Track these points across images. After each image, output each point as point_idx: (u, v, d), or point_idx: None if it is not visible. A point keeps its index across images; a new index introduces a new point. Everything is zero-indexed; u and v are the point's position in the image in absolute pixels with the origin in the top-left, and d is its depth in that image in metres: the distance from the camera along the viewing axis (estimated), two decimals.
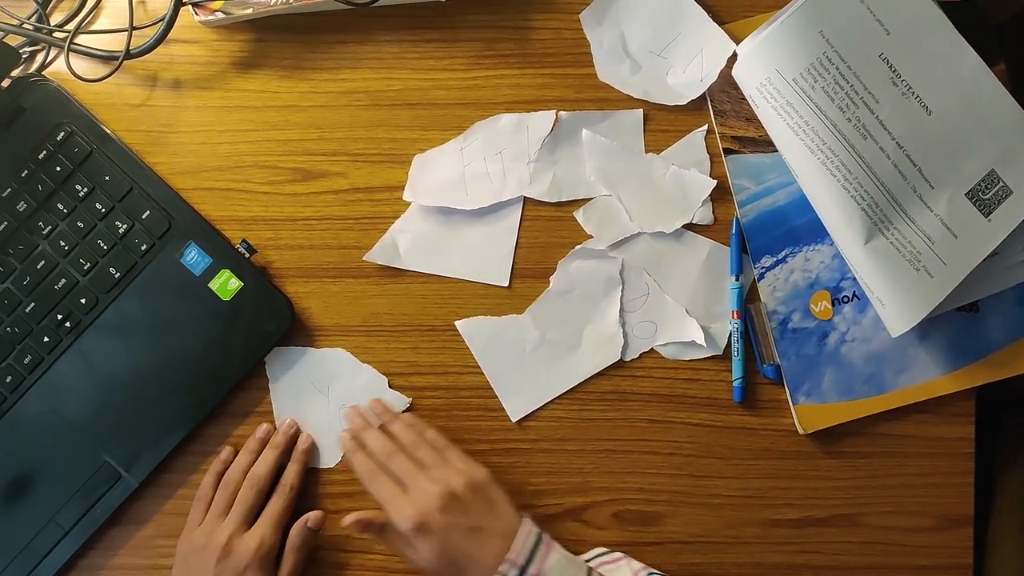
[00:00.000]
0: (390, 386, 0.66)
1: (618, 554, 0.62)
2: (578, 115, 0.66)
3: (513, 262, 0.66)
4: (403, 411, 0.66)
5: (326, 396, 0.66)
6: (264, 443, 0.65)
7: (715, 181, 0.65)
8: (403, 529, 0.56)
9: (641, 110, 0.66)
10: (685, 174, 0.66)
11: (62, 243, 0.65)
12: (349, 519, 0.58)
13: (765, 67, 0.62)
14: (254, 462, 0.64)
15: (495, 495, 0.58)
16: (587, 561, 0.58)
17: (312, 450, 0.65)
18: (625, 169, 0.66)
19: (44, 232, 0.65)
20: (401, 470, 0.58)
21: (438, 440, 0.62)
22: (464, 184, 0.66)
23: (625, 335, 0.65)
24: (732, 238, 0.66)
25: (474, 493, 0.57)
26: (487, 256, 0.66)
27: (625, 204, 0.66)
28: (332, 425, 0.65)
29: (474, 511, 0.57)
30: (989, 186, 0.61)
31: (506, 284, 0.66)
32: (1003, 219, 0.61)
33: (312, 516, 0.63)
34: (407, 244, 0.66)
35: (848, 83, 0.61)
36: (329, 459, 0.66)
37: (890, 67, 0.61)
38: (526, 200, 0.66)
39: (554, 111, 0.66)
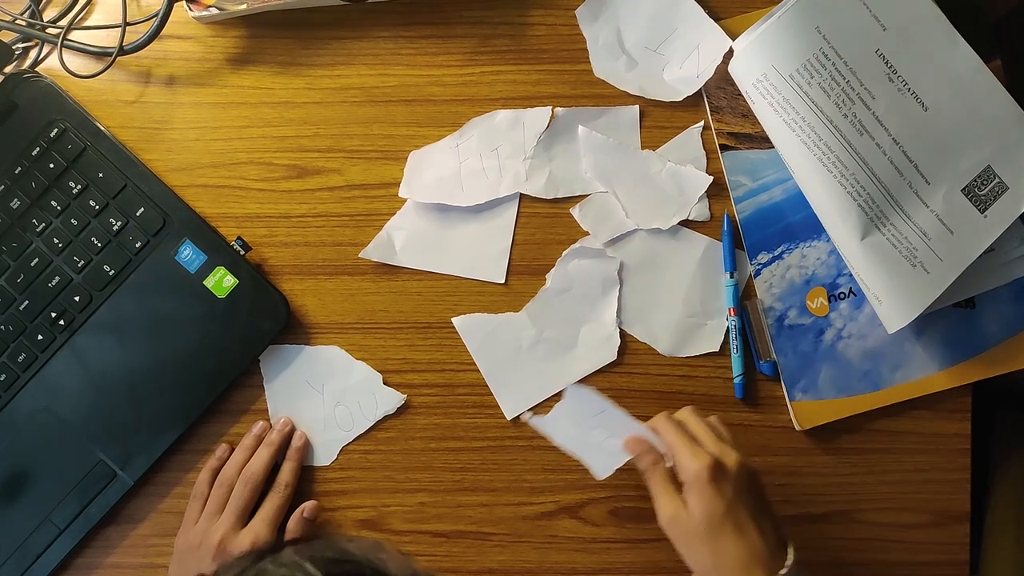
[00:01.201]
0: (385, 383, 0.66)
1: None
2: (574, 111, 0.66)
3: (509, 259, 0.66)
4: (397, 408, 0.65)
5: (321, 394, 0.65)
6: (260, 440, 0.64)
7: (711, 177, 0.65)
8: (695, 468, 0.52)
9: (637, 106, 0.66)
10: (681, 170, 0.66)
11: (56, 240, 0.65)
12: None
13: (761, 63, 0.62)
14: (249, 459, 0.63)
15: (767, 503, 0.55)
16: None
17: (307, 448, 0.65)
18: (621, 165, 0.66)
19: (38, 229, 0.65)
20: (696, 432, 0.55)
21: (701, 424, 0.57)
22: (460, 181, 0.65)
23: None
24: (724, 235, 0.66)
25: (757, 488, 0.54)
26: (483, 253, 0.66)
27: (621, 200, 0.66)
28: (327, 423, 0.65)
29: (756, 502, 0.53)
30: (985, 182, 0.61)
31: (502, 281, 0.66)
32: (999, 215, 0.61)
33: (308, 506, 0.63)
34: (403, 241, 0.66)
35: (844, 79, 0.61)
36: (324, 457, 0.65)
37: (886, 63, 0.61)
38: (522, 197, 0.66)
39: (550, 107, 0.66)
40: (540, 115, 0.66)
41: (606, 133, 0.66)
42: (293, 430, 0.65)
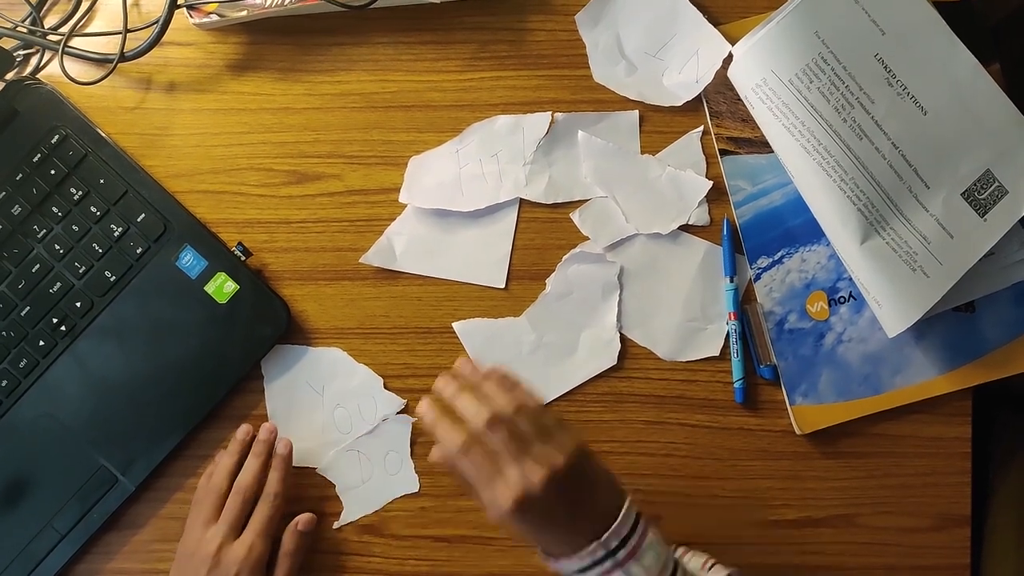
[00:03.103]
0: (386, 387, 0.66)
1: (682, 549, 0.61)
2: (574, 116, 0.66)
3: (510, 264, 0.66)
4: (398, 412, 0.66)
5: (321, 396, 0.66)
6: (244, 444, 0.64)
7: (711, 182, 0.65)
8: (497, 513, 0.50)
9: (637, 111, 0.66)
10: (681, 175, 0.66)
11: (57, 246, 0.65)
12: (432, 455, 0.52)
13: (760, 68, 0.62)
14: (238, 464, 0.63)
15: (597, 468, 0.52)
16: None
17: (291, 454, 0.64)
18: (621, 170, 0.66)
19: (39, 236, 0.65)
20: (501, 445, 0.50)
21: (529, 401, 0.52)
22: (460, 186, 0.65)
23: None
24: (724, 240, 0.66)
25: (577, 469, 0.50)
26: (483, 258, 0.66)
27: (621, 205, 0.66)
28: (326, 426, 0.65)
29: (572, 495, 0.50)
30: (985, 186, 0.61)
31: (502, 286, 0.66)
32: (999, 219, 0.61)
33: (302, 519, 0.62)
34: (403, 246, 0.66)
35: (843, 83, 0.61)
36: (321, 460, 0.65)
37: (885, 67, 0.61)
38: (522, 202, 0.66)
39: (550, 113, 0.66)
40: (540, 120, 0.66)
41: (606, 138, 0.66)
42: (276, 437, 0.64)
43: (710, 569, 0.56)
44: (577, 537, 0.50)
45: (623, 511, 0.50)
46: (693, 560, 0.60)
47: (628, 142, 0.66)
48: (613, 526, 0.50)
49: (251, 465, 0.63)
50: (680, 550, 0.61)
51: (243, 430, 0.64)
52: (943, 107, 0.61)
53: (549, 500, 0.49)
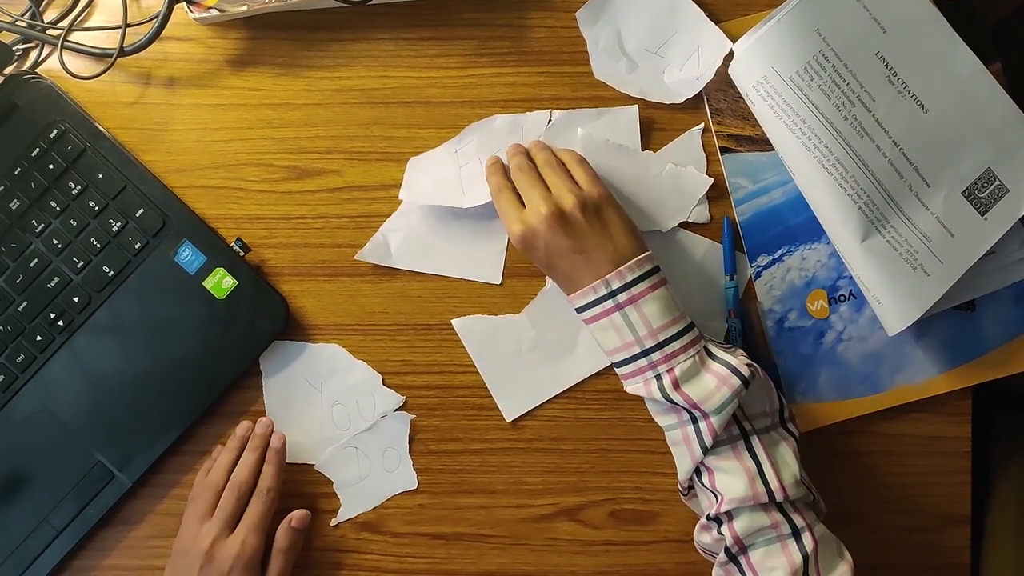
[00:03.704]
0: (384, 384, 0.65)
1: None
2: (572, 113, 0.66)
3: (507, 261, 0.66)
4: (397, 409, 0.65)
5: (319, 393, 0.65)
6: (244, 440, 0.64)
7: (711, 179, 0.65)
8: (512, 241, 0.58)
9: (636, 106, 0.66)
10: (682, 172, 0.66)
11: (55, 241, 0.65)
12: None
13: (761, 65, 0.62)
14: (235, 460, 0.63)
15: (611, 218, 0.58)
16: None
17: (285, 449, 0.63)
18: (622, 166, 0.66)
19: (37, 230, 0.65)
20: (523, 186, 0.59)
21: (569, 155, 0.62)
22: (460, 184, 0.65)
23: None
24: (724, 237, 0.66)
25: (585, 213, 0.57)
26: (479, 254, 0.66)
27: (621, 201, 0.65)
28: (324, 423, 0.65)
29: (579, 232, 0.57)
30: (985, 184, 0.61)
31: (498, 282, 0.66)
32: (999, 217, 0.61)
33: (296, 515, 0.62)
34: (398, 242, 0.66)
35: (844, 81, 0.61)
36: (319, 456, 0.65)
37: (886, 65, 0.61)
38: None
39: (548, 111, 0.66)
40: (538, 119, 0.66)
41: (605, 134, 0.66)
42: (272, 431, 0.64)
43: (732, 355, 0.57)
44: (588, 274, 0.56)
45: (635, 259, 0.56)
46: (718, 344, 0.60)
47: (628, 138, 0.66)
48: (620, 268, 0.55)
49: (247, 460, 0.63)
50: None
51: (243, 427, 0.64)
52: (944, 106, 0.61)
53: (552, 232, 0.56)
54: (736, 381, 0.54)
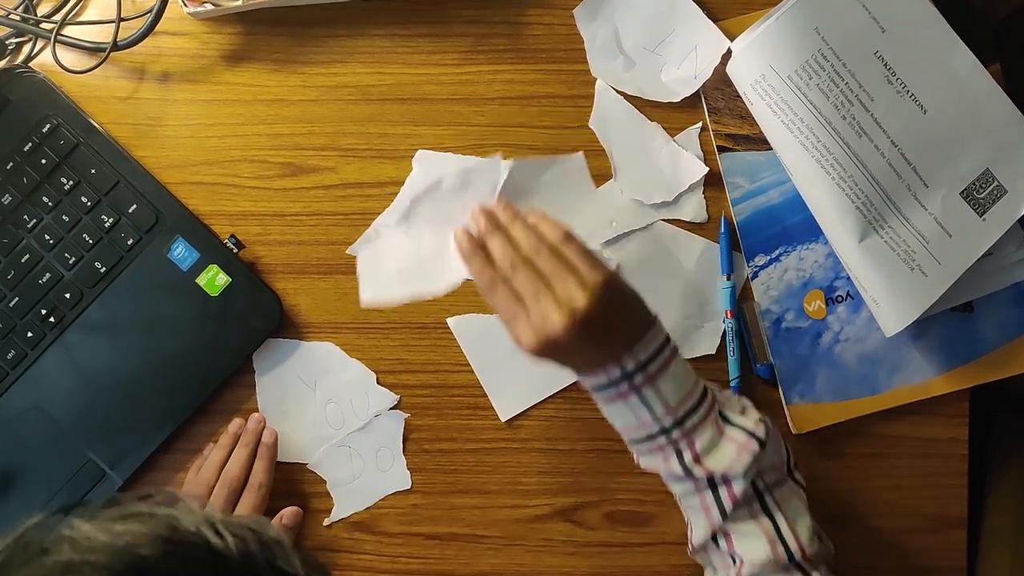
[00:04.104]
0: (379, 383, 0.65)
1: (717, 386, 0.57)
2: (523, 164, 0.62)
3: None
4: (391, 408, 0.65)
5: (313, 391, 0.65)
6: (236, 438, 0.63)
7: (707, 168, 0.65)
8: (522, 351, 0.51)
9: (581, 153, 0.64)
10: (682, 153, 0.65)
11: (47, 237, 0.64)
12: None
13: (760, 64, 0.61)
14: (227, 457, 0.63)
15: (621, 299, 0.52)
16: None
17: (276, 444, 0.63)
18: (627, 128, 0.65)
19: (29, 226, 0.64)
20: (522, 286, 0.51)
21: (555, 232, 0.53)
22: (425, 268, 0.58)
23: None
24: (721, 237, 0.65)
25: (600, 306, 0.50)
26: None
27: (615, 160, 0.65)
28: (317, 421, 0.65)
29: (595, 328, 0.50)
30: (984, 185, 0.61)
31: None
32: (997, 219, 0.61)
33: (287, 513, 0.62)
34: None
35: (843, 80, 0.60)
36: (312, 455, 0.65)
37: (885, 65, 0.61)
38: None
39: (499, 156, 0.60)
40: (489, 166, 0.59)
41: (557, 183, 0.62)
42: (264, 427, 0.64)
43: (742, 413, 0.55)
44: (602, 359, 0.51)
45: (646, 336, 0.52)
46: (726, 401, 0.56)
47: (580, 186, 0.64)
48: (633, 347, 0.51)
49: (238, 455, 0.62)
50: (716, 386, 0.57)
51: (235, 424, 0.64)
52: (943, 106, 0.61)
53: (570, 339, 0.50)
54: (755, 446, 0.52)
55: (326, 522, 0.64)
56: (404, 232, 0.60)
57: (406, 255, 0.59)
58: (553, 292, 0.50)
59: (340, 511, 0.64)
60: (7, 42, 0.66)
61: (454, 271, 0.56)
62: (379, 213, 0.66)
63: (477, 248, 0.54)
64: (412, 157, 0.66)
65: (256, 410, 0.65)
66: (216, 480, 0.62)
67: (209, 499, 0.61)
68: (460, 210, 0.56)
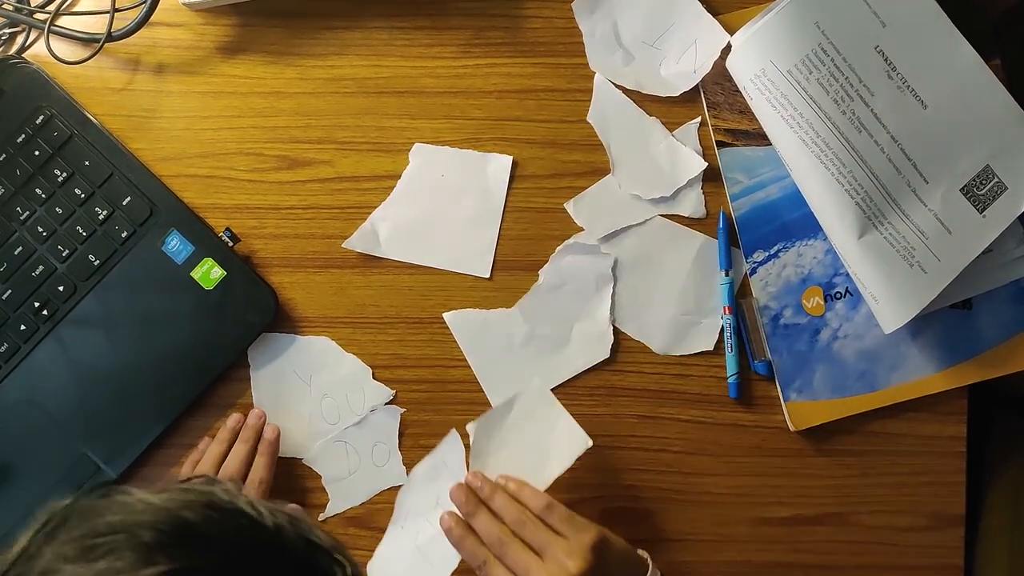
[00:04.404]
0: (374, 377, 0.65)
1: None
2: (481, 422, 0.61)
3: (500, 254, 0.65)
4: (387, 403, 0.64)
5: (308, 386, 0.64)
6: (234, 432, 0.63)
7: (705, 163, 0.64)
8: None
9: (537, 378, 0.62)
10: (680, 148, 0.65)
11: (40, 229, 0.63)
12: None
13: (759, 58, 0.61)
14: (225, 452, 0.62)
15: (614, 552, 0.56)
16: None
17: (278, 441, 0.62)
18: (625, 122, 0.65)
19: (22, 218, 0.63)
20: (513, 562, 0.55)
21: (537, 501, 0.57)
22: (425, 558, 0.61)
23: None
24: (720, 233, 0.65)
25: (591, 567, 0.54)
26: (469, 247, 0.65)
27: (613, 154, 0.65)
28: (313, 416, 0.64)
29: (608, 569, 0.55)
30: (984, 182, 0.61)
31: (487, 276, 0.65)
32: (997, 215, 0.61)
33: (288, 509, 0.61)
34: (387, 232, 0.65)
35: (843, 75, 0.60)
36: (307, 451, 0.64)
37: (886, 60, 0.60)
38: (513, 191, 0.65)
39: (462, 440, 0.62)
40: (456, 456, 0.62)
41: (523, 423, 0.61)
42: (264, 423, 0.63)
43: None
44: None
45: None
46: None
47: (548, 408, 0.61)
48: None
49: (238, 451, 0.62)
50: None
51: (234, 418, 0.63)
52: (943, 101, 0.60)
53: None
54: None
55: (321, 517, 0.64)
56: (400, 528, 0.62)
57: (405, 553, 0.62)
58: (544, 564, 0.54)
59: (335, 506, 0.64)
60: (0, 32, 0.66)
61: (450, 554, 0.59)
62: (375, 207, 0.66)
63: (465, 531, 0.58)
64: (409, 151, 0.66)
65: (251, 405, 0.64)
66: (216, 473, 0.61)
67: None
68: (444, 494, 0.59)
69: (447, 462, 0.62)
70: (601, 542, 0.55)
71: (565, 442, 0.59)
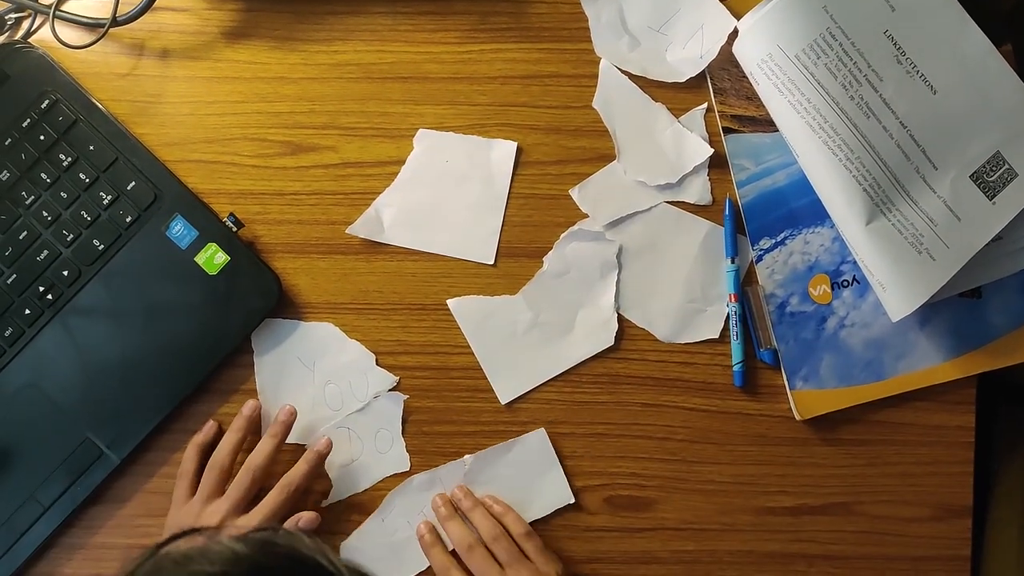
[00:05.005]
0: (378, 364, 0.64)
1: None
2: (485, 454, 0.63)
3: (504, 240, 0.65)
4: (390, 390, 0.64)
5: (311, 371, 0.64)
6: (251, 421, 0.63)
7: (712, 150, 0.64)
8: None
9: (542, 429, 0.64)
10: (686, 135, 0.64)
11: (45, 214, 0.63)
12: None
13: (767, 43, 0.60)
14: (240, 441, 0.62)
15: None
16: None
17: (326, 453, 0.62)
18: (631, 108, 0.64)
19: (27, 202, 0.64)
20: (478, 569, 0.59)
21: (518, 527, 0.61)
22: (396, 553, 0.63)
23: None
24: (726, 219, 0.64)
25: None
26: (473, 233, 0.65)
27: (619, 141, 0.64)
28: (316, 402, 0.64)
29: None
30: (994, 168, 0.60)
31: (491, 262, 0.65)
32: (1008, 202, 0.60)
33: (306, 516, 0.60)
34: (391, 218, 0.65)
35: (851, 60, 0.59)
36: (311, 437, 0.64)
37: (895, 44, 0.59)
38: (517, 177, 0.65)
39: (463, 460, 0.64)
40: (454, 470, 0.63)
41: (518, 465, 0.63)
42: (299, 417, 0.62)
43: None
44: None
45: None
46: None
47: (544, 459, 0.63)
48: None
49: (266, 446, 0.61)
50: None
51: (249, 406, 0.63)
52: (953, 87, 0.60)
53: None
54: None
55: (324, 503, 0.64)
56: (380, 520, 0.63)
57: (379, 545, 0.63)
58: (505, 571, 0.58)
59: (338, 492, 0.64)
60: (6, 17, 0.66)
61: (419, 558, 0.63)
62: (380, 193, 0.65)
63: (436, 540, 0.62)
64: (413, 136, 0.66)
65: (255, 390, 0.64)
66: (230, 463, 0.61)
67: (232, 483, 0.60)
68: (427, 502, 0.63)
69: (443, 479, 0.64)
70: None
71: (550, 492, 0.63)
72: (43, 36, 0.66)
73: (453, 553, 0.62)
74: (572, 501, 0.63)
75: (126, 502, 0.64)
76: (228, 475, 0.61)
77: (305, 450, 0.63)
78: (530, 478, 0.63)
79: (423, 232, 0.65)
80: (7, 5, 0.66)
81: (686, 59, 0.65)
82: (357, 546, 0.63)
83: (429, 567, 0.62)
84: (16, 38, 0.66)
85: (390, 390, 0.64)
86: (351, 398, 0.64)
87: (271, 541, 0.36)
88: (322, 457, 0.62)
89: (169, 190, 0.64)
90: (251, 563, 0.34)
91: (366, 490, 0.64)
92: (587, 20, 0.66)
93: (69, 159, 0.64)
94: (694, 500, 0.64)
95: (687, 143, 0.65)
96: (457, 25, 0.66)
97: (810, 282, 0.64)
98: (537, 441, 0.63)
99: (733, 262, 0.64)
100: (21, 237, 0.63)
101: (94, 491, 0.63)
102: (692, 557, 0.64)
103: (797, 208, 0.64)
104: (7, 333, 0.63)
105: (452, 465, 0.64)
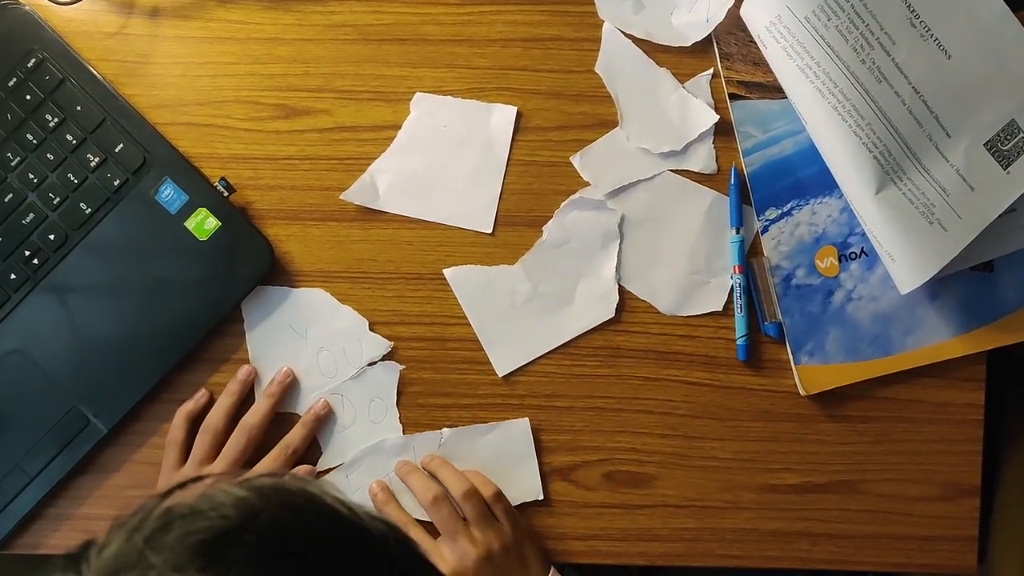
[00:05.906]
0: (371, 329, 0.63)
1: None
2: (462, 431, 0.63)
3: (503, 208, 0.63)
4: (383, 357, 0.63)
5: (304, 338, 0.63)
6: (245, 385, 0.62)
7: (717, 116, 0.62)
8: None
9: (526, 419, 0.63)
10: (692, 101, 0.63)
11: (31, 176, 0.62)
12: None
13: (776, 4, 0.58)
14: (234, 405, 0.61)
15: (529, 554, 0.60)
16: None
17: (324, 416, 0.62)
18: (635, 73, 0.63)
19: (12, 164, 0.62)
20: (446, 525, 0.59)
21: (488, 488, 0.61)
22: None
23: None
24: (731, 189, 0.63)
25: (508, 554, 0.59)
26: (471, 200, 0.63)
27: (622, 106, 0.63)
28: (309, 370, 0.63)
29: (504, 572, 0.59)
30: (1009, 136, 0.58)
31: (490, 231, 0.63)
32: (1023, 172, 0.58)
33: (303, 469, 0.60)
34: (387, 184, 0.63)
35: (863, 22, 0.57)
36: (303, 404, 0.63)
37: (908, 7, 0.58)
38: (517, 143, 0.63)
39: (439, 432, 0.63)
40: (429, 439, 0.63)
41: (497, 448, 0.62)
42: (294, 382, 0.62)
43: None
44: None
45: None
46: None
47: (522, 450, 0.62)
48: None
49: (262, 405, 0.61)
50: None
51: (244, 371, 0.62)
52: (968, 52, 0.58)
53: (502, 562, 0.58)
54: None
55: (315, 471, 0.62)
56: (344, 476, 0.62)
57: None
58: (470, 534, 0.58)
59: (328, 460, 0.62)
60: None
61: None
62: (375, 158, 0.64)
63: (389, 498, 0.61)
64: (410, 100, 0.64)
65: (246, 359, 0.63)
66: (225, 427, 0.60)
67: (227, 444, 0.60)
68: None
69: (416, 446, 0.63)
70: (525, 540, 0.60)
71: (521, 483, 0.62)
72: None
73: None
74: (540, 497, 0.62)
75: (114, 472, 0.63)
76: (221, 439, 0.61)
77: (295, 418, 0.62)
78: (504, 464, 0.62)
79: (419, 199, 0.63)
80: None
81: (692, 22, 0.63)
82: None
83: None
84: None
85: (385, 359, 0.63)
86: (345, 364, 0.63)
87: (282, 486, 0.33)
88: (320, 420, 0.61)
89: (158, 153, 0.62)
90: (269, 512, 0.32)
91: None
92: None
93: (56, 120, 0.62)
94: (695, 477, 0.63)
95: (692, 110, 0.63)
96: None
97: (817, 254, 0.63)
98: (519, 429, 0.62)
99: (738, 233, 0.62)
100: (6, 200, 0.62)
101: (81, 461, 0.62)
102: (693, 535, 0.63)
103: (804, 177, 0.63)
104: None
105: (428, 435, 0.62)
